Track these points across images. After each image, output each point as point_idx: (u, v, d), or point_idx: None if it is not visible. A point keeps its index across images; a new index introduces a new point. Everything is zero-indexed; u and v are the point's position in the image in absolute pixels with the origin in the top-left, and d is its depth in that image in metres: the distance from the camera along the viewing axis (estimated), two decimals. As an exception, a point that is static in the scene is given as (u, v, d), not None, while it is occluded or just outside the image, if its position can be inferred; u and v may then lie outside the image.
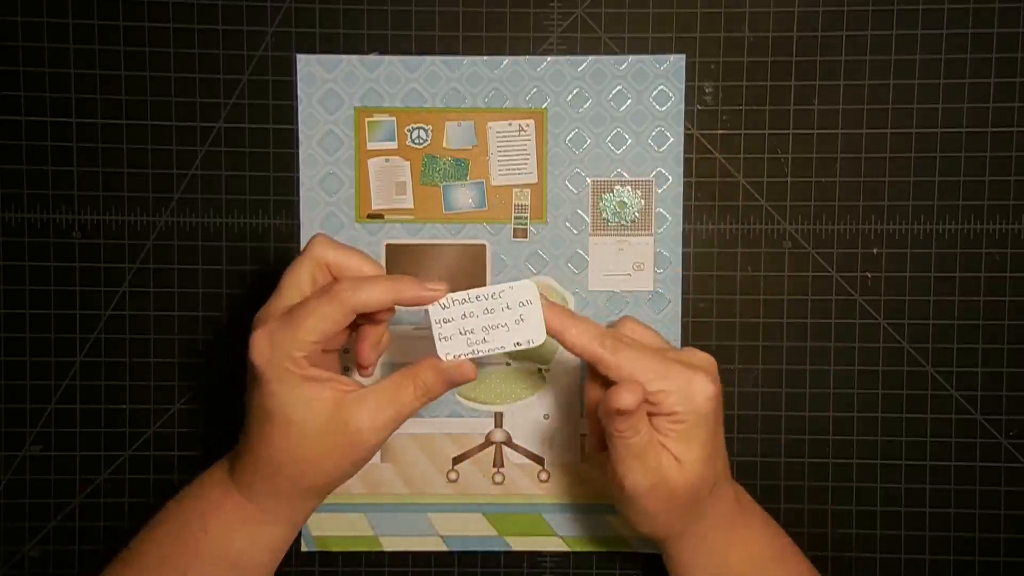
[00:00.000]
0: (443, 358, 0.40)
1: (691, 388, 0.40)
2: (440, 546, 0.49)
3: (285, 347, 0.38)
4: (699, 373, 0.40)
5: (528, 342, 0.40)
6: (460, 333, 0.40)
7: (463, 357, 0.40)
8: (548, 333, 0.40)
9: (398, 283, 0.39)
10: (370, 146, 0.48)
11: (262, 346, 0.39)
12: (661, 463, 0.40)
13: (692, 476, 0.40)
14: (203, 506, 0.41)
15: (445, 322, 0.40)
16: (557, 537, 0.49)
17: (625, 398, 0.38)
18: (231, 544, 0.41)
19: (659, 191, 0.48)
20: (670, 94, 0.48)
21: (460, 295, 0.40)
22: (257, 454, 0.40)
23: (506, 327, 0.40)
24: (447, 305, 0.40)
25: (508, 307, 0.40)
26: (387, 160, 0.48)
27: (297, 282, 0.41)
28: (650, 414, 0.40)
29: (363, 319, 0.42)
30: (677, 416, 0.39)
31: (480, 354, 0.40)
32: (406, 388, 0.40)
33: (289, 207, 0.49)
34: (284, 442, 0.39)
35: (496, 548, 0.49)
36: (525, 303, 0.40)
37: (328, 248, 0.41)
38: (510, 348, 0.40)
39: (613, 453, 0.41)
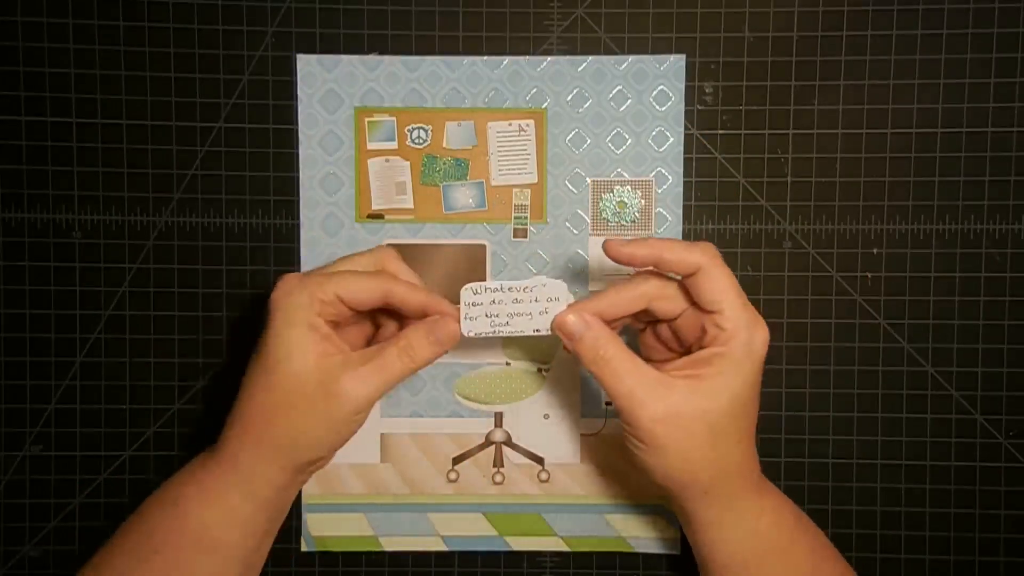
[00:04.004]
0: (466, 335, 0.41)
1: (753, 331, 0.40)
2: (440, 546, 0.49)
3: (310, 288, 0.40)
4: (762, 325, 0.40)
5: (546, 331, 0.42)
6: (486, 316, 0.42)
7: (483, 335, 0.42)
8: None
9: (436, 302, 0.42)
10: (370, 146, 0.48)
11: (290, 284, 0.41)
12: (681, 387, 0.40)
13: (717, 403, 0.39)
14: (181, 482, 0.42)
15: (474, 305, 0.41)
16: (557, 537, 0.49)
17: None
18: (204, 520, 0.40)
19: (659, 191, 0.48)
20: (670, 94, 0.48)
21: (494, 284, 0.41)
22: (246, 408, 0.40)
23: (530, 316, 0.42)
24: (479, 291, 0.41)
25: (536, 300, 0.42)
26: (387, 160, 0.48)
27: (352, 261, 0.42)
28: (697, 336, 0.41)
29: (390, 321, 0.44)
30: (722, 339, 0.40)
31: (500, 334, 0.42)
32: (390, 352, 0.40)
33: (289, 207, 0.49)
34: (273, 388, 0.40)
35: (496, 548, 0.49)
36: (553, 299, 0.42)
37: (392, 259, 0.43)
38: (529, 332, 0.42)
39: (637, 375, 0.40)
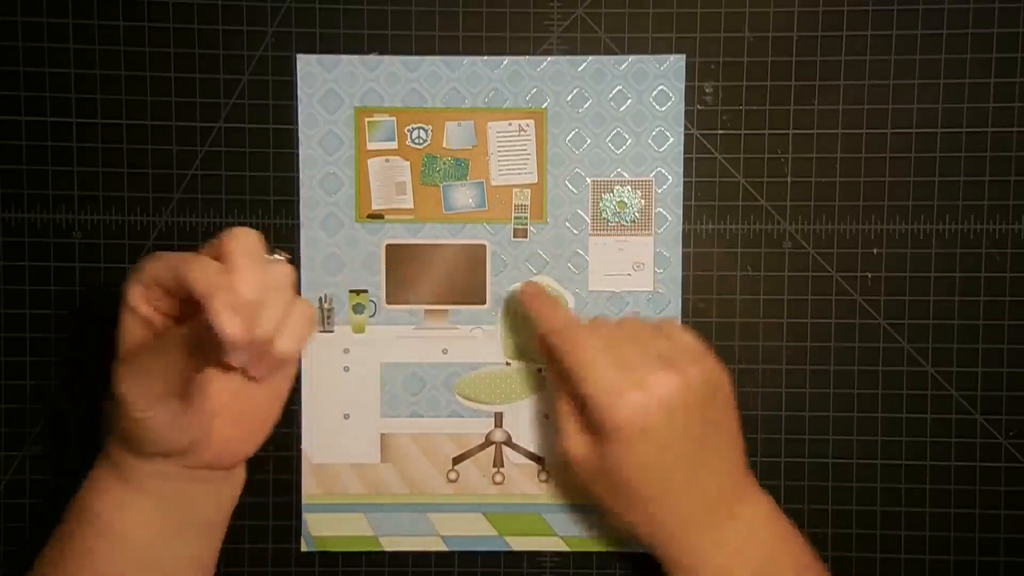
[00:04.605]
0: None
1: (614, 399, 0.39)
2: (440, 546, 0.49)
3: (136, 267, 0.36)
4: (631, 390, 0.39)
5: None
6: None
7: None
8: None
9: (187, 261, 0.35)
10: (370, 146, 0.48)
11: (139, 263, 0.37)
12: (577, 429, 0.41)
13: (602, 468, 0.41)
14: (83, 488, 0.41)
15: None
16: (557, 537, 0.49)
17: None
18: (94, 503, 0.40)
19: (659, 191, 0.48)
20: (670, 94, 0.48)
21: None
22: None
23: None
24: None
25: None
26: (387, 160, 0.48)
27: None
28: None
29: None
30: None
31: None
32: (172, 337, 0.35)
33: (289, 207, 0.49)
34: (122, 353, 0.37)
35: (496, 548, 0.49)
36: None
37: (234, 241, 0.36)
38: None
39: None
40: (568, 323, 0.43)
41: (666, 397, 0.39)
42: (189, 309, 0.36)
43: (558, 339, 0.42)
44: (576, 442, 0.42)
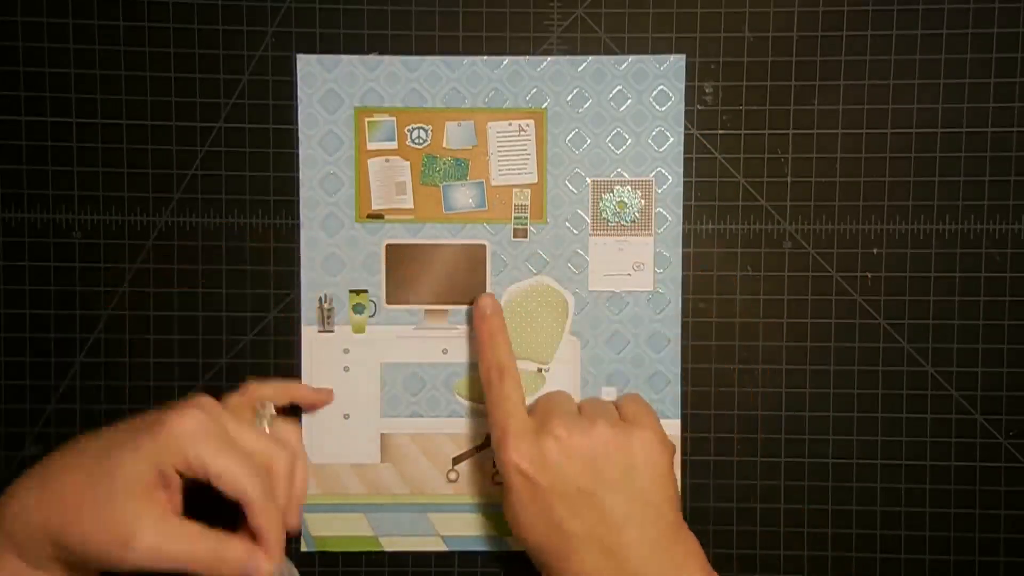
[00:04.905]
0: None
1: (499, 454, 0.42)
2: (440, 546, 0.49)
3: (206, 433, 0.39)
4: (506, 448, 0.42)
5: None
6: None
7: None
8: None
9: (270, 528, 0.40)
10: (370, 146, 0.48)
11: (194, 421, 0.39)
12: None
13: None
14: None
15: None
16: (557, 537, 0.49)
17: None
18: None
19: (659, 191, 0.48)
20: (670, 94, 0.48)
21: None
22: (55, 485, 0.38)
23: None
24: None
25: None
26: (387, 160, 0.48)
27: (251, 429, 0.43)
28: None
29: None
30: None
31: None
32: (208, 545, 0.38)
33: (289, 207, 0.49)
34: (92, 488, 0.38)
35: (496, 548, 0.49)
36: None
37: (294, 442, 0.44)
38: None
39: None
40: (508, 363, 0.45)
41: (519, 467, 0.41)
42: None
43: (495, 377, 0.44)
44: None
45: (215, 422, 0.40)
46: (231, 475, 0.39)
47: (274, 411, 0.45)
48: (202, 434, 0.39)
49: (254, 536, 0.39)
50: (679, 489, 0.44)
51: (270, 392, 0.46)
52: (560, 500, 0.41)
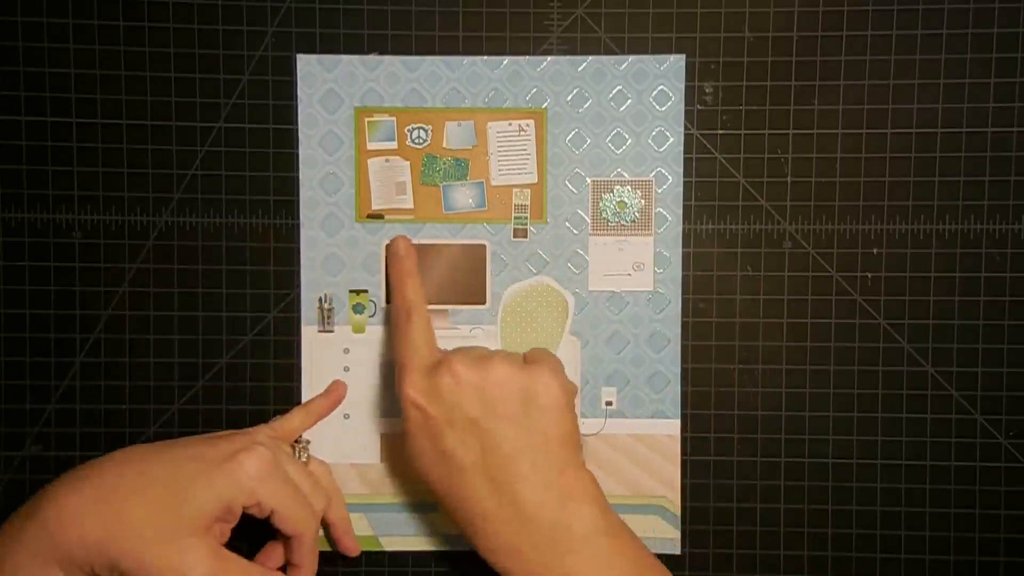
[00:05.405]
0: None
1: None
2: (440, 546, 0.49)
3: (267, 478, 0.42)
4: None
5: None
6: None
7: None
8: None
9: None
10: (370, 146, 0.48)
11: (261, 464, 0.42)
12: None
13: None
14: None
15: None
16: (557, 537, 0.49)
17: None
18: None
19: (659, 191, 0.48)
20: (670, 94, 0.48)
21: None
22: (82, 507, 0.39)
23: None
24: None
25: None
26: (387, 160, 0.48)
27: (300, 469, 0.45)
28: None
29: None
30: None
31: None
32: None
33: (289, 207, 0.49)
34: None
35: (496, 548, 0.49)
36: None
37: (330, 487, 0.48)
38: None
39: None
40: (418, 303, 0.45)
41: (455, 383, 0.42)
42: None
43: (403, 317, 0.45)
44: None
45: (277, 461, 0.42)
46: (293, 515, 0.42)
47: (309, 446, 0.47)
48: (269, 473, 0.41)
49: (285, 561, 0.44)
50: (580, 428, 0.44)
51: (298, 423, 0.47)
52: (450, 429, 0.42)
